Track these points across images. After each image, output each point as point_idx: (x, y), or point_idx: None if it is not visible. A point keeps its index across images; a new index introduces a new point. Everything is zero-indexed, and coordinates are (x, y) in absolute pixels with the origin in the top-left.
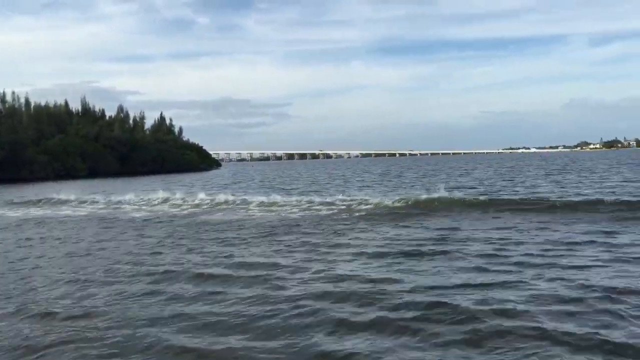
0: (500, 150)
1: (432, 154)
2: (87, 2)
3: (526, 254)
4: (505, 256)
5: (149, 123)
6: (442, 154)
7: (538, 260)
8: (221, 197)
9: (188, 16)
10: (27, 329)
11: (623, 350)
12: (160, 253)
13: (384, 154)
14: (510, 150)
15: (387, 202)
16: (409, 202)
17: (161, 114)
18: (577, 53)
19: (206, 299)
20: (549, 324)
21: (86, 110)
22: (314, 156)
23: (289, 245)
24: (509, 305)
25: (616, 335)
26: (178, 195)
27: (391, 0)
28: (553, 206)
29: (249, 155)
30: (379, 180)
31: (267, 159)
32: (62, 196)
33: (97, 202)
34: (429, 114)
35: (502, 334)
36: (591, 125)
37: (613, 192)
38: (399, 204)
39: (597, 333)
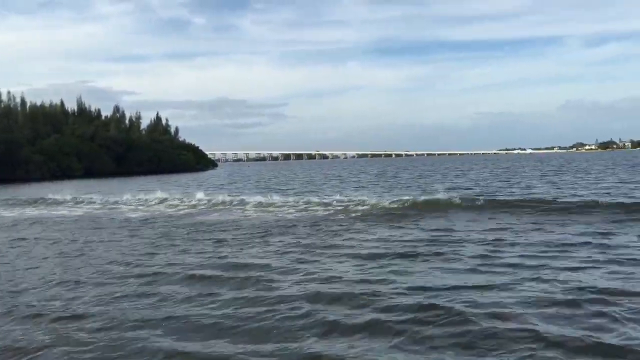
0: (496, 151)
1: (428, 154)
2: (83, 2)
3: (521, 255)
4: (500, 257)
5: (145, 123)
6: (438, 154)
7: (533, 262)
8: (218, 198)
9: (184, 16)
10: (18, 331)
11: (617, 352)
12: (154, 254)
13: (380, 155)
14: (506, 151)
15: (384, 203)
16: (406, 204)
17: (157, 114)
18: (573, 54)
19: (197, 301)
20: (543, 326)
21: (82, 110)
22: (310, 156)
23: (283, 246)
24: (503, 308)
25: (610, 338)
26: (174, 195)
27: (387, 1)
28: (548, 207)
29: (245, 155)
30: (375, 180)
31: (264, 159)
32: (58, 196)
33: (93, 202)
34: (424, 115)
35: (496, 337)
36: (587, 127)
37: (608, 193)
38: (395, 205)
39: (591, 335)
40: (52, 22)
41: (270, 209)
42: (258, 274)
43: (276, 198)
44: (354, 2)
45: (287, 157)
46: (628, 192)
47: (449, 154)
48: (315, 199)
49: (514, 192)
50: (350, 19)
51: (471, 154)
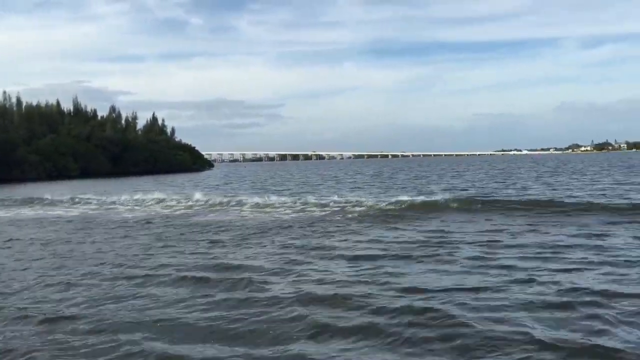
0: (492, 152)
1: (424, 155)
2: (79, 2)
3: (516, 257)
4: (496, 259)
5: (141, 123)
6: (434, 155)
7: (528, 264)
8: (215, 199)
9: (180, 17)
10: (7, 332)
11: (612, 355)
12: (148, 255)
13: (376, 156)
14: (502, 152)
15: (381, 204)
16: (402, 205)
17: (153, 114)
18: (569, 56)
19: (189, 303)
20: (538, 329)
21: (78, 110)
22: (307, 157)
23: (279, 247)
24: (498, 310)
25: (606, 340)
26: (171, 196)
27: (382, 2)
28: (544, 209)
29: (241, 156)
30: (371, 181)
31: (260, 159)
32: (54, 196)
33: (89, 202)
34: (421, 116)
35: (491, 339)
36: (582, 128)
37: (604, 194)
38: (392, 206)
39: (586, 338)
40: (48, 22)
41: (267, 209)
42: (250, 275)
43: (273, 199)
44: (349, 3)
45: (283, 157)
46: (623, 193)
47: (445, 155)
48: (312, 200)
49: (509, 194)
50: (346, 20)
51: (467, 155)
